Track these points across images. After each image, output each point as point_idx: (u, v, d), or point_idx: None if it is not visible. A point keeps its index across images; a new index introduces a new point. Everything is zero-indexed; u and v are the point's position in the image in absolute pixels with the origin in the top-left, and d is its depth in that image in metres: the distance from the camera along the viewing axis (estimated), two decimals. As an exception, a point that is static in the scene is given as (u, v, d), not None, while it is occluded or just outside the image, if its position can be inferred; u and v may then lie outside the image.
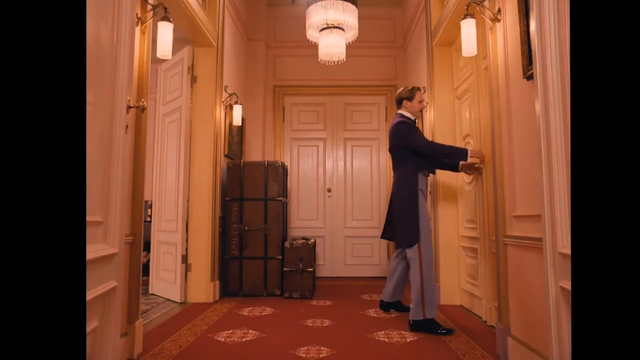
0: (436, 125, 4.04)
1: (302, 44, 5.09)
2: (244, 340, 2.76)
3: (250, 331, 2.95)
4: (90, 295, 1.37)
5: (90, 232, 1.41)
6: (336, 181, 5.76)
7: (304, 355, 2.44)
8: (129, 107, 1.73)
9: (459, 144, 3.85)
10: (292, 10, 5.79)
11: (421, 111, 3.42)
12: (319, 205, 5.78)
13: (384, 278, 5.58)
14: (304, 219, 5.76)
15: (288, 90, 5.91)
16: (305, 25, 3.97)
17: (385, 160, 5.81)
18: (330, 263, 5.64)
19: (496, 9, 2.56)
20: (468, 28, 2.96)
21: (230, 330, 2.97)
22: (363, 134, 5.85)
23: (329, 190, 5.78)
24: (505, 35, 2.47)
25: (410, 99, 3.33)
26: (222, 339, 2.76)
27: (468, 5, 2.81)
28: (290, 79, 5.91)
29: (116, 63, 1.62)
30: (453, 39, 3.93)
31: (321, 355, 2.45)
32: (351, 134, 5.88)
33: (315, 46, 4.07)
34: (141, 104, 1.96)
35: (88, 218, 1.35)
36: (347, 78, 5.84)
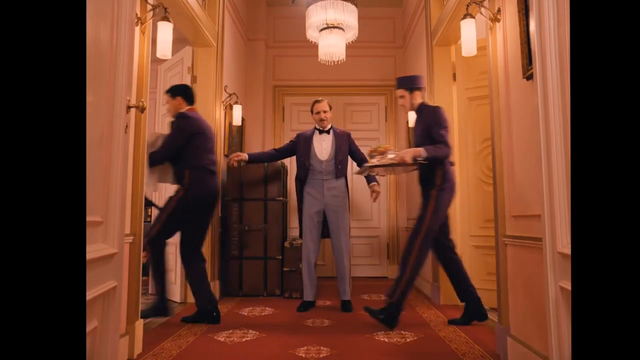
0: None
1: (302, 44, 5.08)
2: (244, 340, 2.76)
3: (250, 331, 2.95)
4: (90, 295, 1.37)
5: (90, 232, 1.41)
6: (336, 181, 5.74)
7: (304, 355, 2.44)
8: (128, 107, 1.73)
9: (480, 146, 3.83)
10: (292, 10, 5.79)
11: (321, 120, 3.92)
12: (318, 205, 5.77)
13: (384, 278, 5.58)
14: (304, 219, 5.75)
15: (288, 90, 5.90)
16: (305, 25, 3.97)
17: (385, 160, 5.80)
18: (330, 263, 5.63)
19: (496, 9, 2.56)
20: (468, 28, 2.96)
21: (230, 330, 2.97)
22: (363, 134, 5.84)
23: (329, 190, 5.77)
24: (505, 35, 2.47)
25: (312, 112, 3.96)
26: (222, 339, 2.76)
27: (468, 5, 2.82)
28: (290, 79, 5.91)
29: (116, 63, 1.62)
30: (453, 39, 3.93)
31: (321, 355, 2.45)
32: (351, 134, 5.87)
33: (315, 46, 4.07)
34: (141, 103, 1.96)
35: (88, 218, 1.35)
36: (347, 78, 5.84)
